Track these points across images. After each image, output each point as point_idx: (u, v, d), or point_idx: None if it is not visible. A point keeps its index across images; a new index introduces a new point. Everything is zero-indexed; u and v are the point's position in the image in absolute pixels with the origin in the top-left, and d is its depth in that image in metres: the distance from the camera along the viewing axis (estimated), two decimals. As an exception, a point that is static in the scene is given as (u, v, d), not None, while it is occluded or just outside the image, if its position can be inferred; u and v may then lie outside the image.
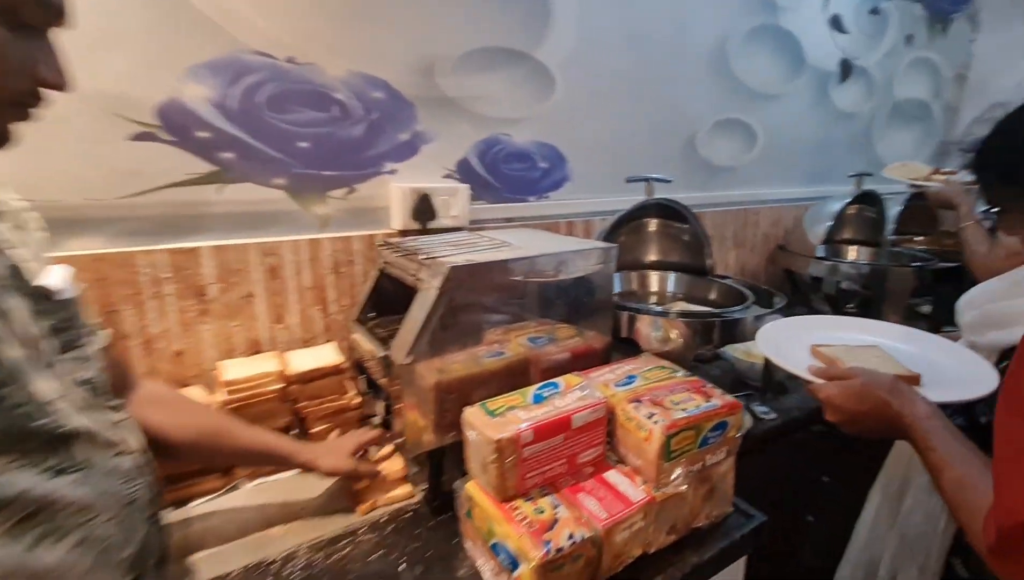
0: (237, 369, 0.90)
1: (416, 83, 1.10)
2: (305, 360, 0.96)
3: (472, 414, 0.74)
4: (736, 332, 1.02)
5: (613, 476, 0.77)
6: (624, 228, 1.33)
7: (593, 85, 1.34)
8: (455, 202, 1.15)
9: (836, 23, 1.85)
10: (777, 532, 0.85)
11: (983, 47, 2.48)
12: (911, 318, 1.60)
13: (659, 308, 1.07)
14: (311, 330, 1.06)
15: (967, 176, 1.75)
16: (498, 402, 0.76)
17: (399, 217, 1.10)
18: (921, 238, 1.99)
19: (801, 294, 1.89)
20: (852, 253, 1.90)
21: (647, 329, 1.02)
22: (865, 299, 1.72)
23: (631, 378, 0.88)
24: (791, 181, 1.93)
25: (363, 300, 0.97)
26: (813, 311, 1.84)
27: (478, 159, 1.22)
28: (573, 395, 0.79)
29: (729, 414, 0.80)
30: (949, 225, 2.12)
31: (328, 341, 1.06)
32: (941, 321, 1.73)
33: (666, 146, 1.55)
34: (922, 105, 2.35)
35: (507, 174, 1.27)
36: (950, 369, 0.76)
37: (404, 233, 1.11)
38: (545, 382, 0.82)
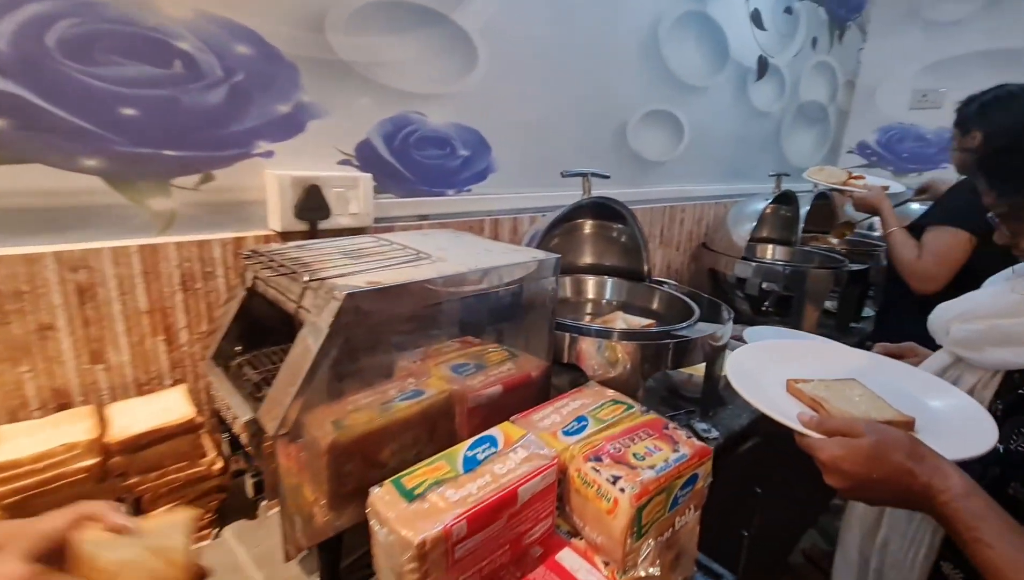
0: (19, 442, 0.61)
1: (300, 39, 0.84)
2: (138, 416, 0.68)
3: (381, 499, 0.53)
4: (688, 354, 0.90)
5: (568, 558, 0.61)
6: (557, 229, 1.17)
7: (518, 59, 1.15)
8: (355, 196, 0.91)
9: (756, 18, 1.83)
10: (714, 551, 0.75)
11: (869, 55, 2.65)
12: (823, 316, 1.63)
13: (605, 328, 0.92)
14: (150, 369, 0.77)
15: (880, 181, 1.85)
16: (418, 476, 0.56)
17: (278, 215, 0.84)
18: (826, 236, 2.06)
19: (722, 293, 1.88)
20: (768, 251, 1.92)
21: (592, 352, 0.87)
22: (782, 298, 1.73)
23: (581, 421, 0.72)
24: (713, 178, 1.90)
25: (223, 329, 0.71)
26: (734, 309, 1.84)
27: (384, 142, 0.98)
28: (515, 456, 0.61)
29: (700, 464, 0.67)
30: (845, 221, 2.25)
31: (177, 383, 0.78)
32: (847, 318, 1.81)
33: (597, 136, 1.41)
34: (821, 108, 2.46)
35: (421, 162, 1.04)
36: (935, 408, 0.68)
37: (285, 236, 0.85)
38: (478, 438, 0.63)
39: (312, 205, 0.85)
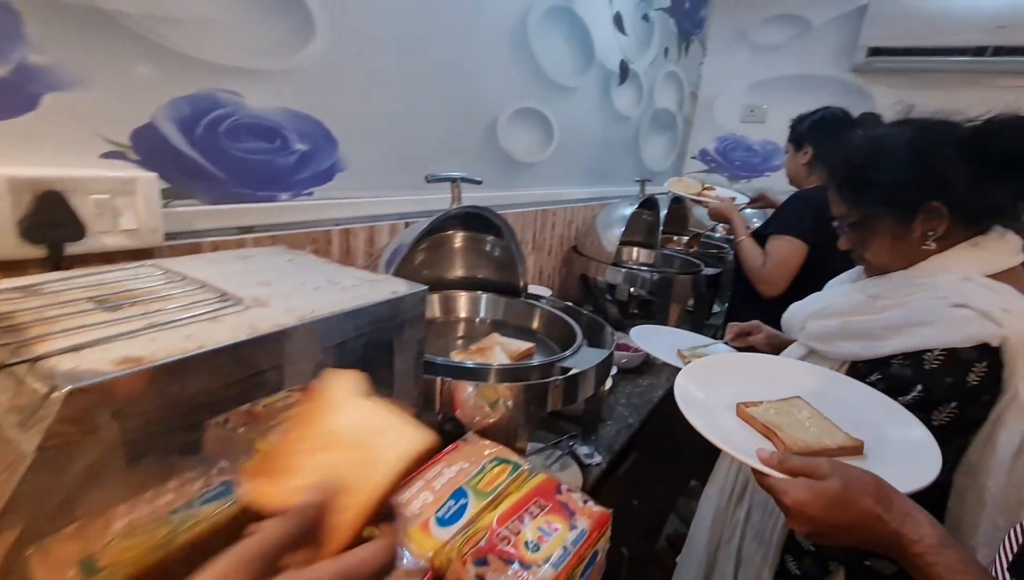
0: None
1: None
2: None
3: None
4: (579, 389, 0.80)
5: None
6: (424, 242, 1.00)
7: (371, 36, 0.95)
8: (129, 204, 0.64)
9: (619, 22, 1.83)
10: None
11: (708, 70, 2.89)
12: (683, 315, 1.71)
13: (482, 365, 0.78)
14: None
15: (728, 192, 1.99)
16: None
17: (-10, 234, 0.55)
18: (683, 239, 2.19)
19: (592, 297, 1.88)
20: (633, 254, 1.97)
21: (468, 399, 0.73)
22: (646, 301, 1.78)
23: (460, 499, 0.58)
24: (581, 181, 1.88)
25: None
26: (603, 314, 1.86)
27: (180, 129, 0.72)
28: None
29: (600, 536, 0.57)
30: (694, 227, 2.43)
31: None
32: (702, 316, 1.93)
33: (466, 133, 1.26)
34: (671, 116, 2.61)
35: (238, 157, 0.80)
36: (875, 419, 0.68)
37: (7, 268, 0.56)
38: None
39: (51, 220, 0.57)
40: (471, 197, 1.03)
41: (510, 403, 0.74)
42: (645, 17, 2.03)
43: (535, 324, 1.09)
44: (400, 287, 0.61)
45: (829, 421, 0.66)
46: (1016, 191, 0.72)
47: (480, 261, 1.12)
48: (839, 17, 2.48)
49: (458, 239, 1.08)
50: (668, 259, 1.90)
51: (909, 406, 0.68)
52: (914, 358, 0.69)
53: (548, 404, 0.78)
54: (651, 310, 1.79)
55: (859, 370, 0.77)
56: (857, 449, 0.62)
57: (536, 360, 0.80)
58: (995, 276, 0.71)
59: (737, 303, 1.72)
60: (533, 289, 1.57)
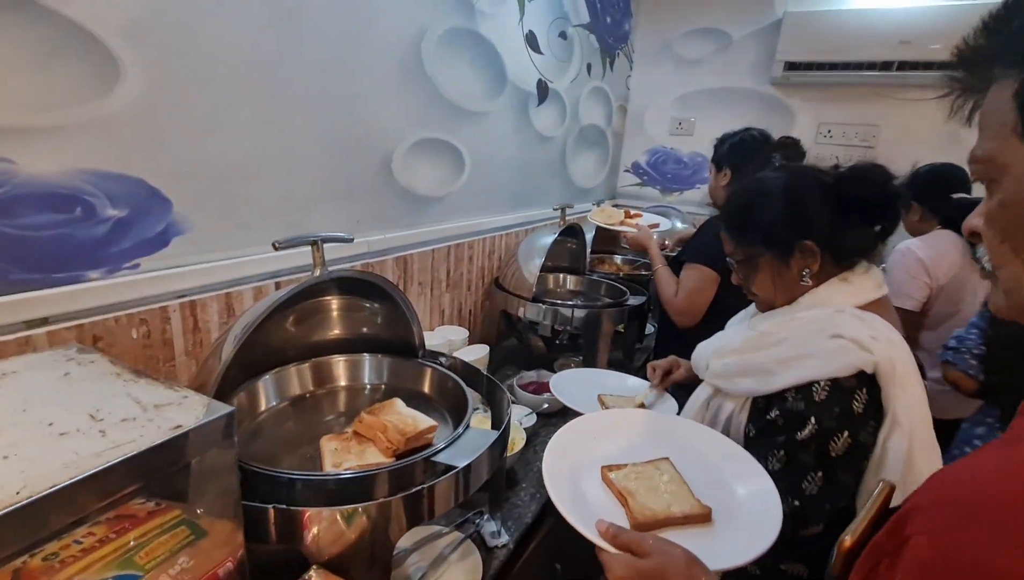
0: None
1: None
2: None
3: None
4: (462, 488, 0.69)
5: None
6: (291, 308, 0.86)
7: (211, 74, 0.81)
8: None
9: (532, 41, 1.74)
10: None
11: (636, 83, 2.86)
12: (614, 340, 1.63)
13: (327, 477, 0.65)
14: None
15: (653, 218, 1.94)
16: None
17: None
18: (616, 259, 2.12)
19: (517, 332, 1.78)
20: (559, 281, 1.89)
21: (312, 524, 0.60)
22: (574, 335, 1.70)
23: None
24: (502, 207, 1.78)
25: None
26: (528, 349, 1.76)
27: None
28: None
29: None
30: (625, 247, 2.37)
31: None
32: (632, 342, 1.86)
33: (350, 173, 1.12)
34: (599, 131, 2.56)
35: (15, 236, 0.64)
36: (734, 491, 0.72)
37: None
38: None
39: None
40: (358, 248, 0.90)
41: (368, 525, 0.62)
42: (562, 35, 1.96)
43: (427, 388, 0.97)
44: (191, 415, 0.48)
45: (686, 487, 0.70)
46: (874, 233, 0.81)
47: (366, 320, 0.99)
48: (757, 32, 2.50)
49: (335, 304, 0.95)
50: (595, 285, 1.82)
51: (807, 441, 0.72)
52: (804, 391, 0.74)
53: (423, 514, 0.66)
54: (578, 342, 1.71)
55: (759, 405, 0.81)
56: (705, 516, 0.65)
57: (393, 464, 0.67)
58: (863, 307, 0.79)
59: (663, 329, 1.67)
60: (445, 331, 1.46)
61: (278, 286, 0.97)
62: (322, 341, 0.96)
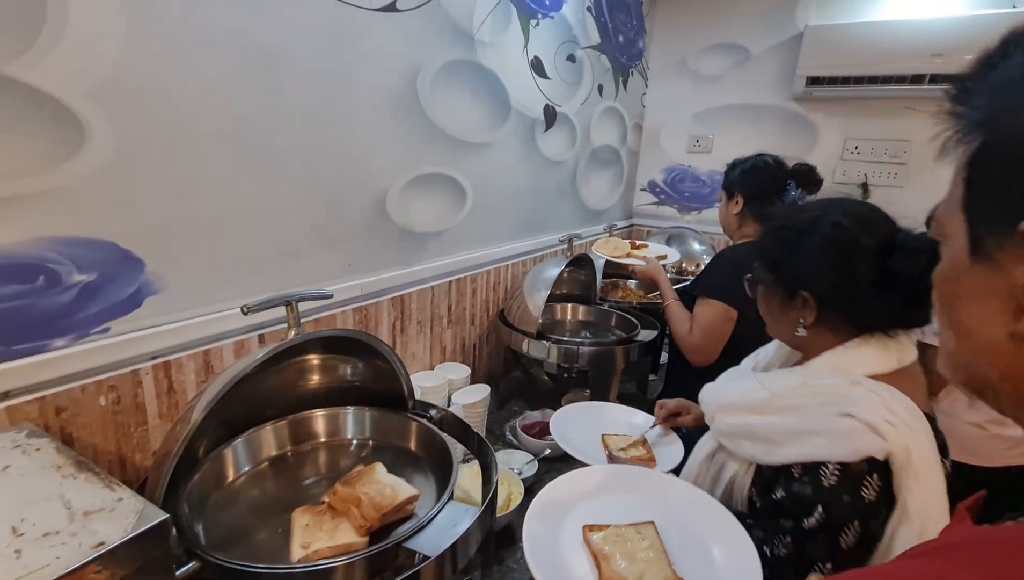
0: None
1: None
2: None
3: None
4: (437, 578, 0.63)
5: None
6: (270, 369, 0.83)
7: (180, 128, 0.79)
8: None
9: (538, 67, 1.70)
10: None
11: (652, 100, 2.79)
12: (626, 371, 1.55)
13: (276, 571, 0.60)
14: None
15: (661, 249, 1.86)
16: None
17: None
18: (630, 283, 2.05)
19: (524, 367, 1.73)
20: (568, 311, 1.82)
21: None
22: (583, 371, 1.63)
23: None
24: (509, 236, 1.73)
25: None
26: (534, 383, 1.70)
27: None
28: None
29: None
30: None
31: None
32: (644, 376, 1.78)
33: (341, 219, 1.09)
34: (613, 151, 2.49)
35: (-26, 310, 0.62)
36: (716, 560, 0.69)
37: None
38: None
39: None
40: (350, 291, 0.87)
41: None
42: (571, 58, 1.91)
43: (413, 444, 0.92)
44: (119, 527, 0.44)
45: (665, 556, 0.68)
46: (910, 307, 0.70)
47: (351, 374, 0.95)
48: (776, 46, 2.41)
49: (316, 362, 0.91)
50: (606, 316, 1.75)
51: (814, 531, 0.67)
52: (812, 473, 0.68)
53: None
54: (587, 376, 1.63)
55: (764, 474, 0.76)
56: None
57: (360, 554, 0.62)
58: (885, 376, 0.71)
59: (674, 365, 1.58)
60: (446, 370, 1.41)
61: (262, 339, 0.94)
62: (305, 396, 0.93)
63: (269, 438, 0.86)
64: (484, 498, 0.75)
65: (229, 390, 0.69)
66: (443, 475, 0.82)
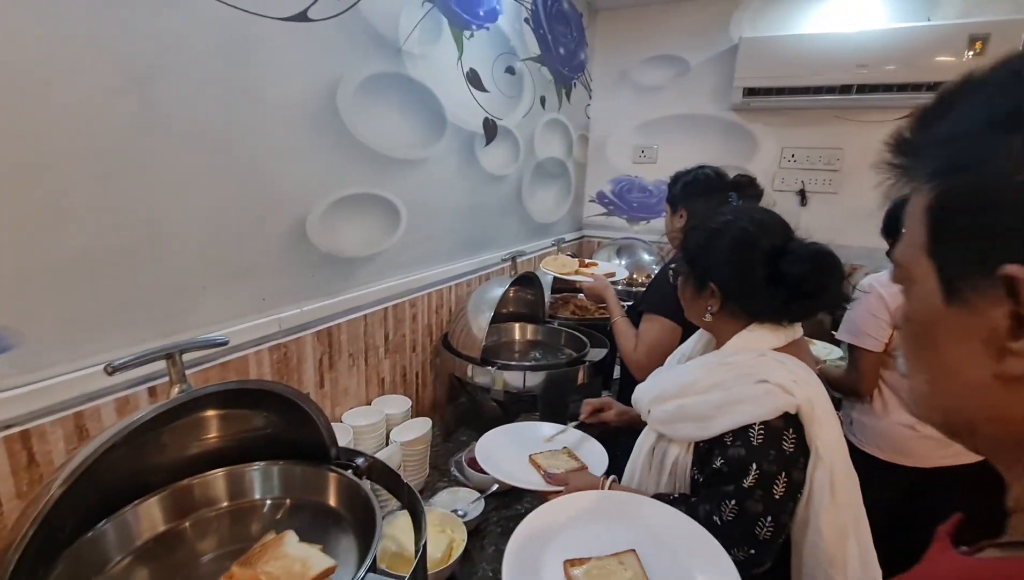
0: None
1: None
2: None
3: None
4: None
5: None
6: (162, 430, 0.71)
7: (52, 152, 0.67)
8: None
9: (474, 79, 1.64)
10: None
11: (596, 112, 2.79)
12: (580, 389, 1.49)
13: None
14: None
15: (609, 266, 1.83)
16: None
17: None
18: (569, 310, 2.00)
19: (470, 394, 1.64)
20: (515, 332, 1.75)
21: None
22: (533, 396, 1.56)
23: None
24: (448, 257, 1.64)
25: None
26: (481, 410, 1.62)
27: None
28: None
29: None
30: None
31: None
32: (597, 391, 1.73)
33: (250, 246, 0.98)
34: (559, 163, 2.46)
35: None
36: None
37: None
38: None
39: None
40: (268, 328, 0.75)
41: None
42: (510, 70, 1.86)
43: (332, 500, 0.82)
44: None
45: None
46: (807, 305, 0.84)
47: (260, 427, 0.84)
48: (713, 58, 2.45)
49: (214, 418, 0.79)
50: (555, 335, 1.69)
51: (753, 488, 0.76)
52: (742, 436, 0.78)
53: None
54: (535, 403, 1.57)
55: (701, 451, 0.85)
56: None
57: None
58: (781, 349, 0.85)
59: (626, 376, 1.55)
60: (384, 403, 1.31)
61: (153, 393, 0.82)
62: (205, 456, 0.81)
63: (153, 511, 0.73)
64: (414, 560, 0.66)
65: (100, 458, 0.58)
66: (367, 534, 0.73)
